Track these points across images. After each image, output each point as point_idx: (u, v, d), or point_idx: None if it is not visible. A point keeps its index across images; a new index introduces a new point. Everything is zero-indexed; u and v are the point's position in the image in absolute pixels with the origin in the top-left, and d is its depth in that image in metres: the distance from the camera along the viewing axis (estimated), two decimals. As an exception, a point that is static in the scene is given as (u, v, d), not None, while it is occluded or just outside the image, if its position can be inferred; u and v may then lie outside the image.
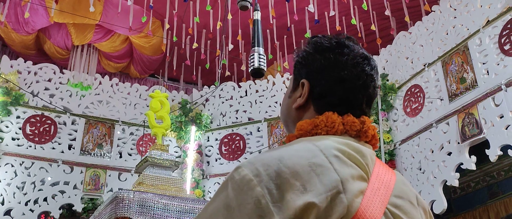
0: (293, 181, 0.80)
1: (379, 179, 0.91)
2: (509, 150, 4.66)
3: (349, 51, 1.06)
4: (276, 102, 7.23)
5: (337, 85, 1.04)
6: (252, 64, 2.18)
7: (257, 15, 2.26)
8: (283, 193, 0.79)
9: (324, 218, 0.79)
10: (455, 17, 5.63)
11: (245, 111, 7.35)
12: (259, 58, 2.08)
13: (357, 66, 1.05)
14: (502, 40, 4.92)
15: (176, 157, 6.86)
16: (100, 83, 7.26)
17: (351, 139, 0.98)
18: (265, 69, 2.13)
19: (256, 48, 2.14)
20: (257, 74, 2.17)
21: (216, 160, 7.19)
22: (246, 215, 0.78)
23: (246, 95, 7.46)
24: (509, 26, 4.87)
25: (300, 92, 1.08)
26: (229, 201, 0.81)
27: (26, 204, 6.08)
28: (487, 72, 5.07)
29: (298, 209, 0.77)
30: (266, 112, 7.23)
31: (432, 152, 5.55)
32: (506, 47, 4.86)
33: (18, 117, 6.49)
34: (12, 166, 6.18)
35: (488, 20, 5.14)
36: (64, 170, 6.43)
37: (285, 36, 7.51)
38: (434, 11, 5.99)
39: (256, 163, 0.84)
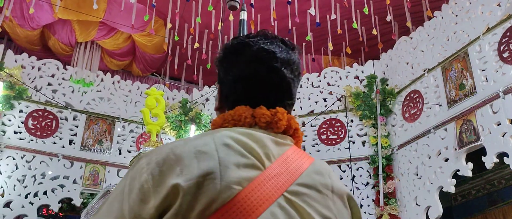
0: (176, 166, 0.87)
1: (282, 166, 0.94)
2: (505, 158, 4.64)
3: (249, 49, 1.09)
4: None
5: (236, 84, 1.08)
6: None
7: (243, 15, 2.31)
8: (164, 178, 0.86)
9: (193, 200, 0.83)
10: (456, 23, 5.60)
11: (244, 111, 7.35)
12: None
13: (250, 64, 1.08)
14: (501, 48, 4.90)
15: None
16: (102, 80, 7.31)
17: (260, 130, 1.00)
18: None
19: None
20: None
21: (215, 160, 7.20)
22: (132, 200, 0.86)
23: (246, 95, 7.46)
24: (508, 33, 4.85)
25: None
26: (123, 187, 0.90)
27: (26, 197, 6.14)
28: (486, 79, 5.05)
29: (166, 191, 0.84)
30: (266, 112, 7.21)
31: (429, 158, 5.54)
32: (505, 55, 4.84)
33: (20, 111, 6.56)
34: (14, 159, 6.25)
35: (488, 27, 5.11)
36: (64, 165, 6.49)
37: (286, 39, 7.52)
38: (436, 17, 5.96)
39: (153, 152, 0.93)
